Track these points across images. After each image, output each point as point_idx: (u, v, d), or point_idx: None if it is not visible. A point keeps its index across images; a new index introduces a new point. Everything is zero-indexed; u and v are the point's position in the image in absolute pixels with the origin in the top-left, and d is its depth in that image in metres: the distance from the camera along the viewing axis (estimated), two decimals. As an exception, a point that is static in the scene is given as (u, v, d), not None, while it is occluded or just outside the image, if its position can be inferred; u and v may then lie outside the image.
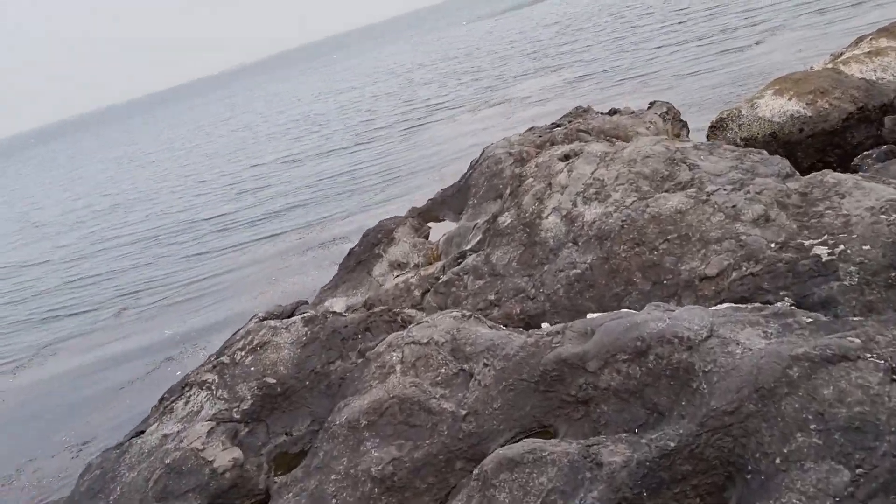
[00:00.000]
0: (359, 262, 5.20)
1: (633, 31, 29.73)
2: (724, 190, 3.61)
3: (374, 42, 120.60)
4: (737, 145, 10.08)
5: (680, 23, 27.37)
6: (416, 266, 5.06)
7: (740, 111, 10.29)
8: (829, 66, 10.77)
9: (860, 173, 5.51)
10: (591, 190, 4.01)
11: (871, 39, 11.08)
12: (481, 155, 5.70)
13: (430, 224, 5.58)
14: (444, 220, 5.66)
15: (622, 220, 3.64)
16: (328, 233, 12.50)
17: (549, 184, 4.19)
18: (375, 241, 5.26)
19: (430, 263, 5.07)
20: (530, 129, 5.97)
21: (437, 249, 5.07)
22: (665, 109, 5.79)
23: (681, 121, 5.98)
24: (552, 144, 5.31)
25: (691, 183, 3.79)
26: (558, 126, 5.73)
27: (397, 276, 5.00)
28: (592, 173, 4.11)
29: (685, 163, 3.98)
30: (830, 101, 9.64)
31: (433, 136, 19.11)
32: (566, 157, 4.45)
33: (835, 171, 9.36)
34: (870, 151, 9.14)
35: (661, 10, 35.00)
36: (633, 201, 3.79)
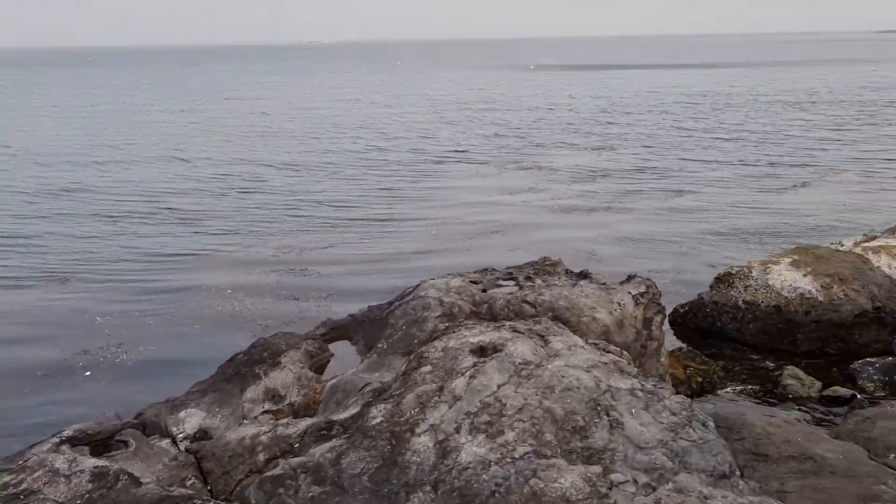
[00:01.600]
0: (236, 373, 4.39)
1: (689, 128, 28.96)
2: (632, 487, 2.77)
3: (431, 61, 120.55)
4: (738, 307, 9.23)
5: (731, 139, 26.49)
6: (291, 405, 4.26)
7: (751, 272, 9.41)
8: (859, 248, 9.89)
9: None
10: (485, 416, 3.18)
11: (911, 231, 10.20)
12: (415, 289, 4.90)
13: (331, 352, 4.77)
14: (356, 345, 4.86)
15: (496, 485, 2.81)
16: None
17: (442, 387, 3.38)
18: (259, 358, 4.47)
19: (310, 405, 4.26)
20: (484, 270, 5.17)
21: (320, 393, 4.27)
22: (643, 290, 4.95)
23: (658, 304, 5.13)
24: (489, 311, 4.49)
25: (601, 456, 2.95)
26: (512, 279, 4.91)
27: (265, 411, 4.19)
28: (496, 391, 3.29)
29: (609, 415, 3.15)
30: (847, 292, 8.75)
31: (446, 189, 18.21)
32: (480, 351, 3.64)
33: (831, 366, 8.45)
34: (873, 360, 8.23)
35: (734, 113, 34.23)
36: (524, 455, 2.96)
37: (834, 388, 7.75)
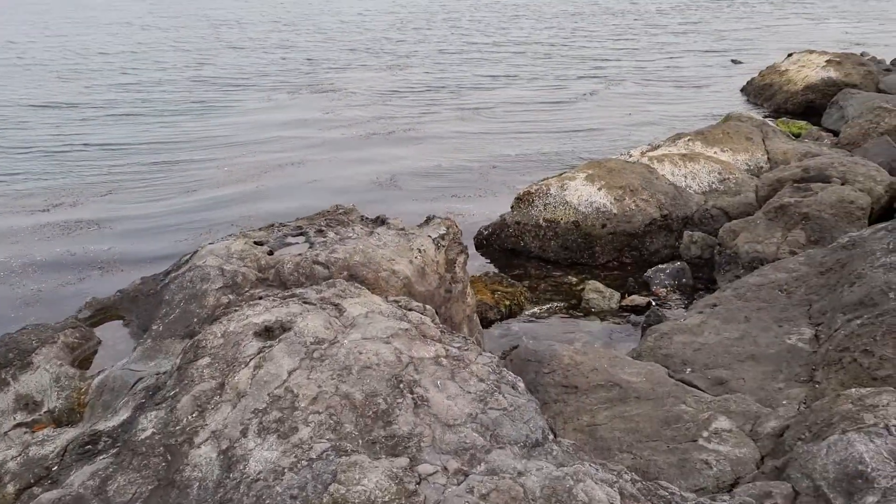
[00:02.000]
0: (-21, 381, 3.64)
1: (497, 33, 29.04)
2: (443, 477, 2.50)
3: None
4: (539, 225, 9.34)
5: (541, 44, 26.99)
6: (51, 413, 3.58)
7: (549, 189, 9.52)
8: (645, 158, 10.32)
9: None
10: (275, 412, 2.75)
11: (688, 140, 10.76)
12: (192, 256, 4.28)
13: (98, 339, 4.07)
14: (128, 327, 4.20)
15: (292, 497, 2.42)
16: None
17: (224, 382, 2.90)
18: (3, 361, 3.72)
19: (75, 409, 3.61)
20: (270, 226, 4.61)
21: (87, 393, 3.62)
22: (443, 231, 4.66)
23: (460, 244, 4.87)
24: (278, 276, 4.00)
25: (407, 444, 2.64)
26: (303, 234, 4.41)
27: (17, 424, 3.50)
28: (287, 379, 2.87)
29: (413, 392, 2.84)
30: (637, 202, 9.09)
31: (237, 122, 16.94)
32: (267, 332, 3.17)
33: (627, 275, 8.77)
34: (664, 266, 8.67)
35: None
36: (323, 454, 2.58)
37: (632, 297, 8.10)
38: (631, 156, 10.71)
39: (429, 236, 4.56)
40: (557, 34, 31.13)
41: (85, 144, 14.65)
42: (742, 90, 18.47)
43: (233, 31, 36.06)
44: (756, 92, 17.57)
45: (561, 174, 9.92)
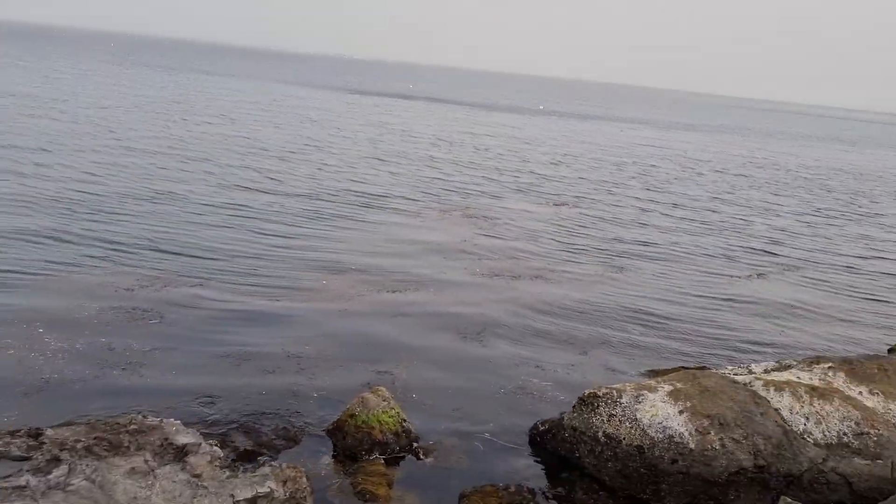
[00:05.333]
0: None
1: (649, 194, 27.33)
2: None
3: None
4: (597, 439, 7.54)
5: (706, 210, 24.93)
6: None
7: (620, 397, 7.72)
8: (760, 377, 8.23)
9: None
10: None
11: (828, 368, 8.50)
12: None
13: None
14: None
15: None
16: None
17: None
18: None
19: None
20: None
21: None
22: (268, 489, 3.23)
23: None
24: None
25: None
26: (29, 460, 3.13)
27: None
28: None
29: None
30: (725, 441, 7.05)
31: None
32: None
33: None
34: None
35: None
36: None
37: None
38: (749, 372, 8.63)
39: (234, 499, 3.13)
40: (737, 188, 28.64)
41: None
42: (948, 304, 15.28)
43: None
44: (965, 310, 14.39)
45: (642, 382, 8.10)
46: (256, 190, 19.13)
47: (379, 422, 7.71)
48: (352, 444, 7.57)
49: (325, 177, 22.13)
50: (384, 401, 7.93)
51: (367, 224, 16.63)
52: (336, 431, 7.77)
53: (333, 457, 7.59)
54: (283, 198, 18.42)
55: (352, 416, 7.76)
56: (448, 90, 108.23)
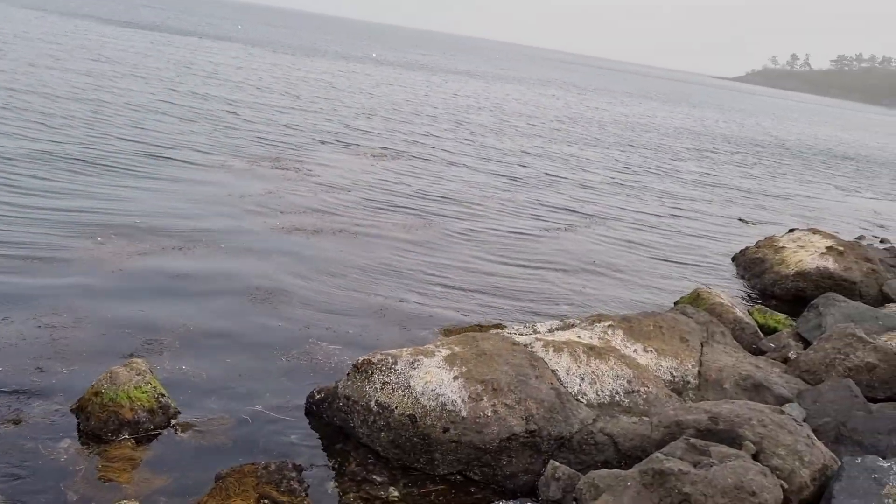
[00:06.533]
0: None
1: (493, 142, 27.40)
2: None
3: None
4: (370, 409, 7.13)
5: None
6: None
7: (396, 363, 7.32)
8: (542, 337, 8.15)
9: None
10: None
11: (608, 326, 8.56)
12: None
13: None
14: None
15: None
16: None
17: None
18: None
19: None
20: None
21: None
22: None
23: None
24: None
25: None
26: None
27: None
28: None
29: None
30: (497, 408, 6.86)
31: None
32: None
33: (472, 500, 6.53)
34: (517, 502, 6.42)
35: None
36: None
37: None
38: (535, 331, 8.55)
39: None
40: (558, 152, 29.47)
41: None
42: (733, 259, 16.31)
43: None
44: (747, 265, 15.39)
45: (421, 347, 7.77)
46: (15, 136, 16.60)
47: (129, 398, 6.89)
48: (96, 425, 6.72)
49: (105, 123, 19.81)
50: (138, 374, 7.10)
51: (160, 180, 15.12)
52: (79, 412, 6.88)
53: (79, 440, 6.72)
54: (51, 146, 16.23)
55: (96, 393, 6.88)
56: (278, 34, 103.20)
